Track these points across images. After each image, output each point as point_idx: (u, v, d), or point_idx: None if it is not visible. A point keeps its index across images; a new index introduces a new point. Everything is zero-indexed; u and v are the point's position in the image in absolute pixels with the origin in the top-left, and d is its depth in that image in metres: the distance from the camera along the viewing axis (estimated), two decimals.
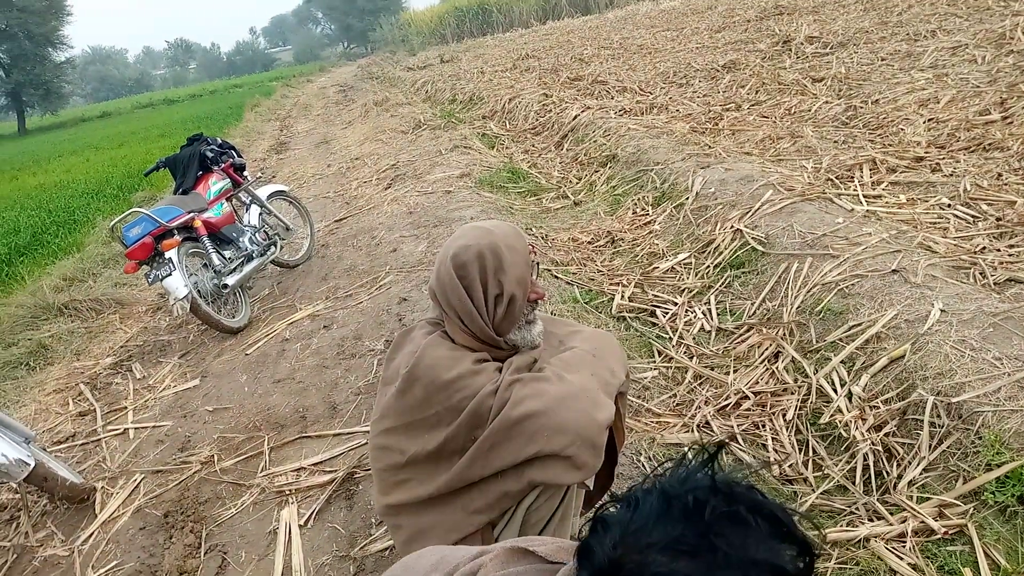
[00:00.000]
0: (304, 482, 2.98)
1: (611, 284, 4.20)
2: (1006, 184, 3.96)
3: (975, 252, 3.32)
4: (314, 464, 3.09)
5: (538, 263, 1.81)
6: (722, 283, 3.89)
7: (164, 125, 23.56)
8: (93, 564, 2.82)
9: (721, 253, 4.09)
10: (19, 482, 2.85)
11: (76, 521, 3.13)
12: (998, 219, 3.61)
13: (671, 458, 0.82)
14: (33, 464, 2.83)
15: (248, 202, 5.37)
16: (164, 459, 3.43)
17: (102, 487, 3.30)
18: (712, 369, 3.23)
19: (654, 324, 3.74)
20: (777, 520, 0.70)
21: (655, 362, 3.35)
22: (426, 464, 1.70)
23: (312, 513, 2.78)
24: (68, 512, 3.20)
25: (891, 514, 2.23)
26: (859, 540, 2.17)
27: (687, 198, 4.90)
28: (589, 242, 4.99)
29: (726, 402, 2.95)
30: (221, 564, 2.67)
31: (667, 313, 3.78)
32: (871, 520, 2.25)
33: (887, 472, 2.40)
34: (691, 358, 3.34)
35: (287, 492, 2.95)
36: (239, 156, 5.35)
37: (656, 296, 3.97)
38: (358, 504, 2.77)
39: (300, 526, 2.73)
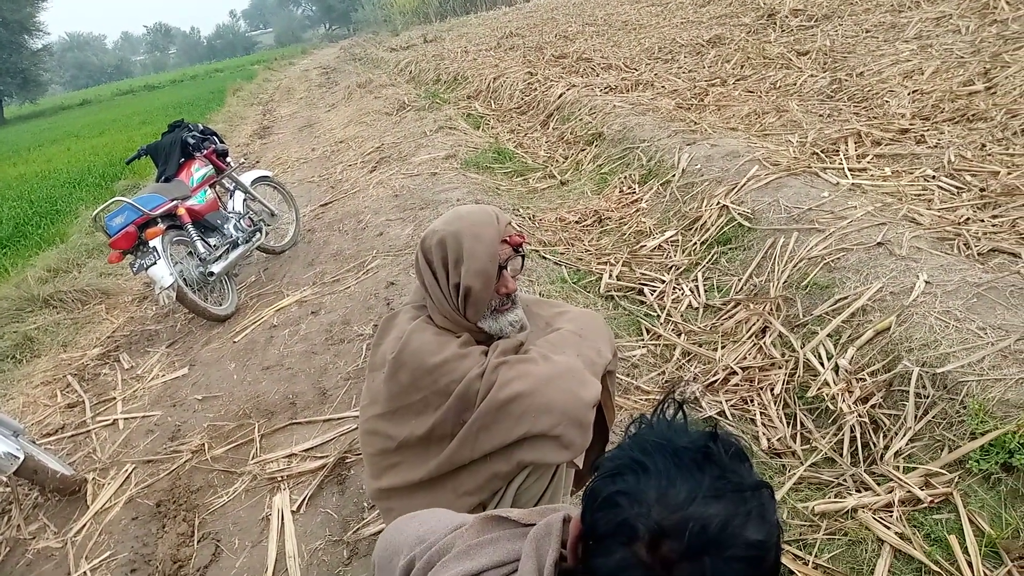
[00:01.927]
0: (296, 468, 2.98)
1: (599, 264, 4.20)
2: (990, 154, 3.98)
3: (959, 223, 3.34)
4: (305, 450, 3.09)
5: (523, 254, 1.79)
6: (709, 260, 3.90)
7: (145, 112, 23.28)
8: (87, 555, 2.82)
9: (708, 230, 4.09)
10: (9, 475, 2.84)
11: (68, 513, 3.12)
12: (982, 190, 3.63)
13: (634, 420, 0.86)
14: (22, 457, 2.82)
15: (232, 188, 5.32)
16: (155, 449, 3.43)
17: (93, 478, 3.29)
18: (700, 346, 3.24)
19: (642, 302, 3.74)
20: (739, 445, 0.79)
21: (643, 340, 3.36)
22: (416, 448, 1.71)
23: (304, 499, 2.78)
24: (60, 504, 3.19)
25: (878, 484, 2.26)
26: (847, 511, 2.20)
27: (673, 175, 4.89)
28: (576, 222, 4.99)
29: (714, 378, 2.97)
30: (215, 551, 2.68)
31: (655, 291, 3.79)
32: (858, 491, 2.27)
33: (874, 443, 2.43)
34: (679, 335, 3.35)
35: (279, 478, 2.95)
36: (221, 142, 5.28)
37: (644, 274, 3.97)
38: (350, 488, 2.78)
39: (293, 512, 2.73)
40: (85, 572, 2.72)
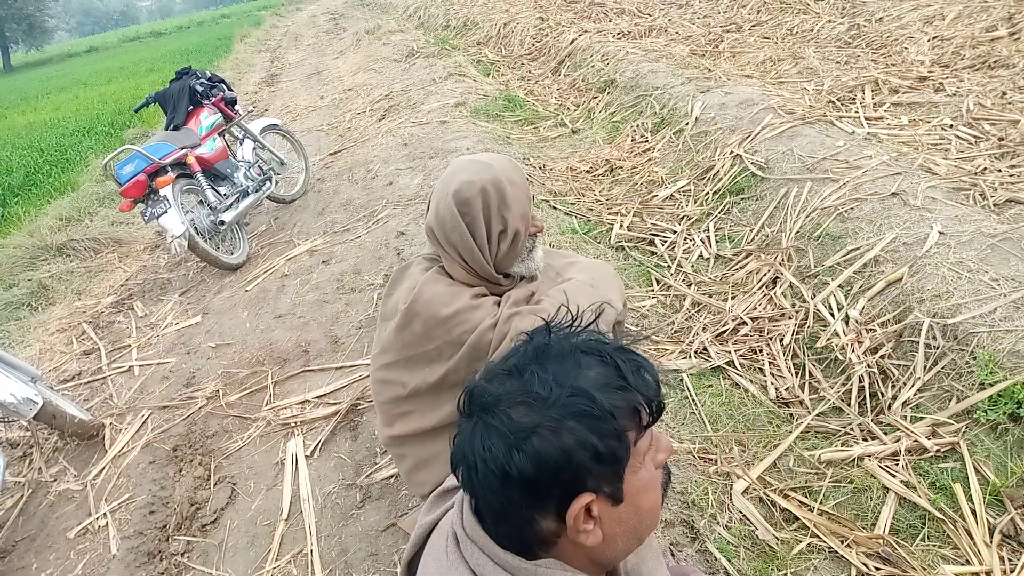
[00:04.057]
0: (309, 414, 3.03)
1: (610, 214, 4.17)
2: (1010, 103, 3.90)
3: (976, 173, 3.29)
4: (318, 397, 3.13)
5: (532, 195, 1.79)
6: (721, 210, 3.87)
7: (152, 59, 23.04)
8: (106, 497, 2.90)
9: (720, 179, 4.05)
10: (29, 420, 2.90)
11: (87, 457, 3.20)
12: (1000, 139, 3.56)
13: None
14: (41, 402, 2.88)
15: (241, 137, 5.29)
16: (170, 395, 3.48)
17: (110, 423, 3.36)
18: (710, 296, 3.24)
19: (653, 253, 3.73)
20: (614, 364, 0.86)
21: (653, 291, 3.36)
22: (428, 396, 1.72)
23: (318, 444, 2.83)
24: (79, 448, 3.26)
25: (885, 434, 2.28)
26: (853, 459, 2.22)
27: (686, 123, 4.83)
28: (587, 171, 4.94)
29: (724, 328, 2.97)
30: (231, 494, 2.74)
31: (666, 241, 3.77)
32: (865, 440, 2.30)
33: (882, 394, 2.44)
34: (689, 286, 3.35)
35: (292, 424, 3.00)
36: (229, 89, 5.23)
37: (655, 224, 3.95)
38: (363, 435, 2.83)
39: (306, 457, 2.79)
40: (105, 513, 2.80)
